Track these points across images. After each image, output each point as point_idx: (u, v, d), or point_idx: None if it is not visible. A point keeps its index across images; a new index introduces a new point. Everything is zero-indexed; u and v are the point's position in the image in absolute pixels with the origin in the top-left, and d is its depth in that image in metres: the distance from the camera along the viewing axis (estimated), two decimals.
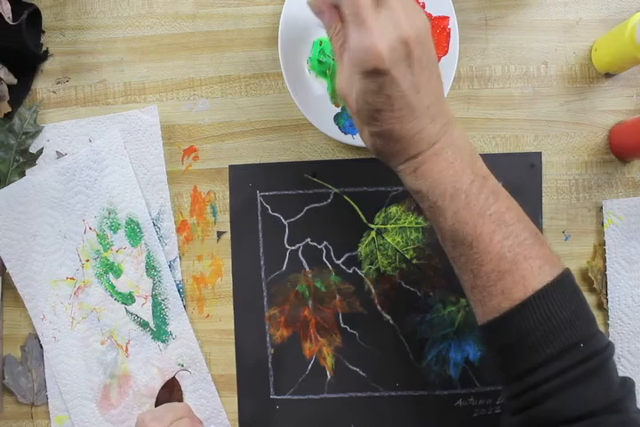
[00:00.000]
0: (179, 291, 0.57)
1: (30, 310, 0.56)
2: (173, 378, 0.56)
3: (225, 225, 0.57)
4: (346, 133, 0.55)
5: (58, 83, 0.58)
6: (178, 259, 0.57)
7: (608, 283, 0.56)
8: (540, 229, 0.56)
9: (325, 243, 0.57)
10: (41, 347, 0.57)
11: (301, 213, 0.57)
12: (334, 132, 0.55)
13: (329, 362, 0.56)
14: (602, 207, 0.56)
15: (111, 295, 0.56)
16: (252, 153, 0.57)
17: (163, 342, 0.56)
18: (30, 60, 0.57)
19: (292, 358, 0.56)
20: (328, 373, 0.56)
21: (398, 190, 0.57)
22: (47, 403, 0.57)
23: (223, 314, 0.57)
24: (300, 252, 0.57)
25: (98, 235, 0.56)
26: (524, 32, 0.57)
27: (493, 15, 0.57)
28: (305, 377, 0.56)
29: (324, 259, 0.57)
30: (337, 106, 0.55)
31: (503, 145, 0.57)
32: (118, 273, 0.57)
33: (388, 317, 0.56)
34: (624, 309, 0.55)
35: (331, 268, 0.57)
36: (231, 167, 0.57)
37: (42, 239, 0.56)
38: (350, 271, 0.57)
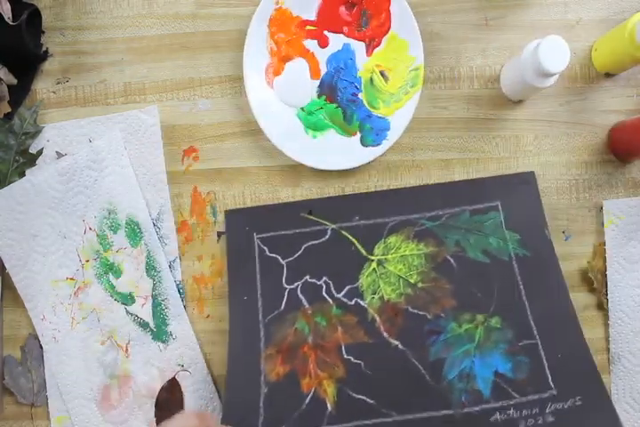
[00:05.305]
0: (179, 291, 0.56)
1: (30, 310, 0.56)
2: (173, 379, 0.56)
3: (225, 225, 0.57)
4: (378, 144, 0.56)
5: (58, 83, 0.58)
6: (178, 259, 0.57)
7: (608, 283, 0.56)
8: (547, 241, 0.55)
9: (325, 278, 0.55)
10: (41, 347, 0.57)
11: (300, 252, 0.56)
12: (363, 159, 0.56)
13: (329, 393, 0.54)
14: (602, 207, 0.56)
15: (111, 296, 0.56)
16: (251, 153, 0.57)
17: (163, 342, 0.56)
18: (30, 60, 0.57)
19: (287, 395, 0.53)
20: (328, 404, 0.53)
21: (395, 221, 0.56)
22: (47, 403, 0.57)
23: (223, 314, 0.57)
24: (298, 289, 0.55)
25: (98, 235, 0.56)
26: (524, 32, 0.57)
27: (493, 15, 0.57)
28: (301, 412, 0.53)
29: (324, 294, 0.55)
30: (354, 134, 0.56)
31: (503, 145, 0.57)
32: (118, 273, 0.56)
33: (397, 342, 0.54)
34: (624, 309, 0.55)
35: (331, 302, 0.55)
36: (227, 212, 0.57)
37: (42, 239, 0.56)
38: (352, 303, 0.55)
